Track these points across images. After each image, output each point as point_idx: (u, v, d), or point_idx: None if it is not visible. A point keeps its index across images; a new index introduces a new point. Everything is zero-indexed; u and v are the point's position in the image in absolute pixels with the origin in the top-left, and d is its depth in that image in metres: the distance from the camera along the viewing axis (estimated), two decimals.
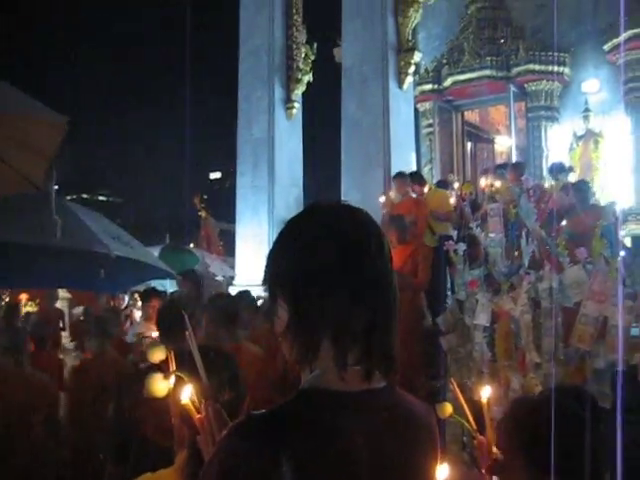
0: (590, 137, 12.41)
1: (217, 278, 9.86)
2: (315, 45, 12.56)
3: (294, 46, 12.19)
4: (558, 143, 12.80)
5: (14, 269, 4.66)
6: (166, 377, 2.31)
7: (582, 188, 6.35)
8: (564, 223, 5.13)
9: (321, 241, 1.45)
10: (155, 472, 2.59)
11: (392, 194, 9.21)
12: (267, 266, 1.53)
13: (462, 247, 4.82)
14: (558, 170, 9.17)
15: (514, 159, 13.19)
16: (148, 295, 8.83)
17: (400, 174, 9.07)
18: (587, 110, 12.49)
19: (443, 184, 10.86)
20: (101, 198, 46.25)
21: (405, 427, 1.48)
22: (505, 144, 15.01)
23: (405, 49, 10.86)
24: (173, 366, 3.26)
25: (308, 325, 1.43)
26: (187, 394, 1.98)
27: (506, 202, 4.64)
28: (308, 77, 12.23)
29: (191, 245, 20.60)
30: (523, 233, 4.39)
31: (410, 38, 10.94)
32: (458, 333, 5.05)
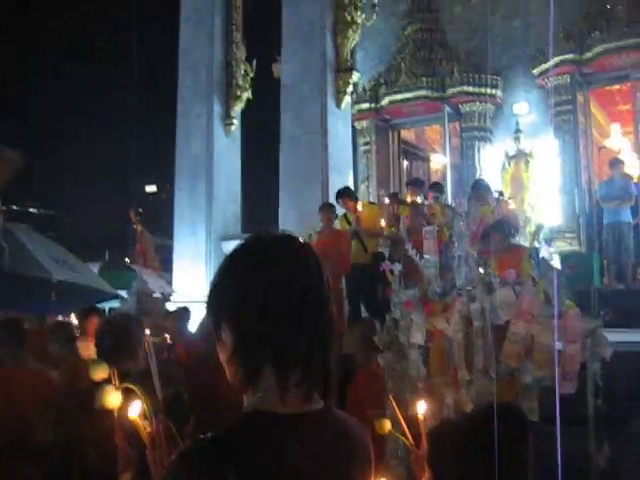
0: (521, 157, 12.83)
1: (155, 295, 9.78)
2: (254, 62, 12.64)
3: (233, 63, 12.27)
4: (491, 162, 13.18)
5: None
6: (116, 389, 2.32)
7: (503, 228, 6.55)
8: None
9: (260, 270, 1.53)
10: None
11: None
12: (210, 293, 1.61)
13: (398, 267, 4.95)
14: (484, 189, 9.46)
15: (449, 177, 13.56)
16: (86, 312, 8.73)
17: (326, 205, 9.20)
18: (518, 131, 12.91)
19: (395, 196, 11.05)
20: (31, 210, 45.08)
21: (342, 446, 1.55)
22: (440, 162, 15.36)
23: (343, 69, 11.05)
24: (117, 383, 3.29)
25: (250, 350, 1.50)
26: (136, 410, 2.01)
27: (441, 225, 4.80)
28: (247, 94, 12.30)
29: (126, 260, 20.34)
30: (456, 255, 4.56)
31: (348, 58, 11.14)
32: (394, 350, 5.17)
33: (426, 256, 4.82)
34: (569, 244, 11.94)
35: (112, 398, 2.18)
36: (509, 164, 12.92)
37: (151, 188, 44.83)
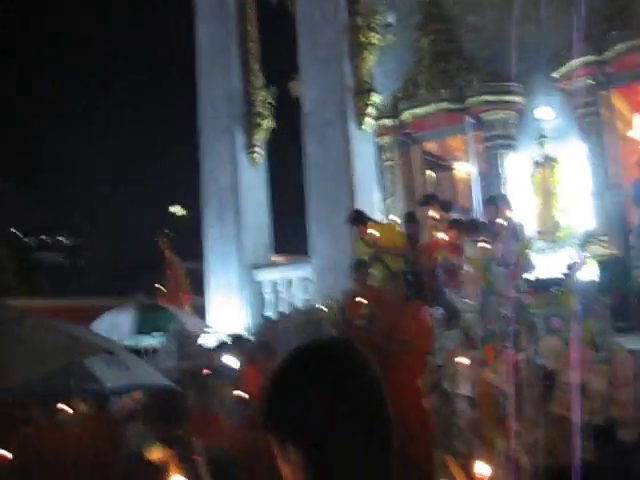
0: (547, 163, 12.69)
1: (192, 333, 9.84)
2: (273, 89, 12.66)
3: (252, 92, 12.29)
4: (517, 170, 13.06)
5: None
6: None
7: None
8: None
9: (333, 391, 1.50)
10: None
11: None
12: (269, 413, 1.58)
13: (439, 312, 4.93)
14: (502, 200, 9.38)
15: (474, 186, 13.46)
16: None
17: (358, 263, 8.80)
18: (543, 137, 12.76)
19: (411, 217, 11.05)
20: (61, 239, 45.60)
21: None
22: (465, 170, 15.25)
23: (363, 91, 11.08)
24: (174, 466, 3.34)
25: (326, 473, 1.48)
26: None
27: (478, 268, 4.77)
28: (269, 121, 12.32)
29: (157, 285, 20.46)
30: (494, 299, 4.53)
31: (367, 79, 11.16)
32: (438, 394, 5.16)
33: (466, 300, 4.80)
34: (604, 247, 11.77)
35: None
36: (536, 171, 12.78)
37: (175, 209, 45.26)
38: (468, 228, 7.45)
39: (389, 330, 6.52)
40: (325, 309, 9.13)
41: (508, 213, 8.91)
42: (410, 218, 10.76)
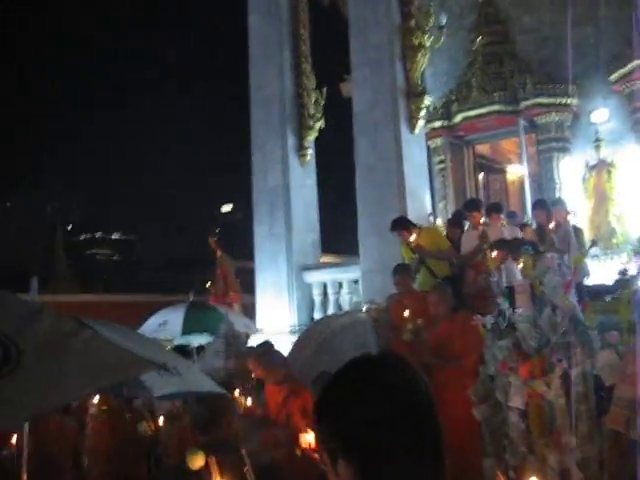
0: (603, 167, 12.46)
1: (241, 334, 9.91)
2: (325, 90, 12.67)
3: (304, 93, 12.32)
4: (570, 174, 12.85)
5: None
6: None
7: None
8: None
9: (382, 403, 1.52)
10: None
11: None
12: (322, 426, 1.60)
13: (490, 321, 4.88)
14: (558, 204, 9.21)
15: (527, 189, 13.28)
16: None
17: (400, 267, 8.72)
18: (598, 140, 12.55)
19: (457, 217, 10.95)
20: (114, 236, 46.49)
21: None
22: (517, 173, 15.07)
23: (415, 93, 10.97)
24: (216, 474, 3.36)
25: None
26: None
27: (532, 278, 4.70)
28: (320, 123, 12.33)
29: (208, 285, 20.67)
30: (549, 309, 4.46)
31: (419, 82, 11.06)
32: (490, 403, 5.10)
33: (519, 310, 4.74)
34: None
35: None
36: (590, 175, 12.56)
37: (227, 208, 45.64)
38: (514, 248, 7.31)
39: (436, 346, 6.44)
40: (369, 312, 9.11)
41: (566, 217, 8.75)
42: (455, 220, 10.67)
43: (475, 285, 7.58)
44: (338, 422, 1.55)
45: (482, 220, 9.14)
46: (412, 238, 8.96)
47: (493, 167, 15.29)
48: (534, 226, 9.39)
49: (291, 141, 12.13)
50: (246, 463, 2.41)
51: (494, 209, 9.49)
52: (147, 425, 6.30)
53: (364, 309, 9.24)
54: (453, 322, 6.27)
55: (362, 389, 1.56)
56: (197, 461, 3.56)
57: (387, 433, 1.49)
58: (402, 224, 9.22)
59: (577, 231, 8.94)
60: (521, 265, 5.21)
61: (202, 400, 4.49)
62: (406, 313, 7.07)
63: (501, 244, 7.66)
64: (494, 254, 7.07)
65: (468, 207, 9.68)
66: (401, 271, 8.46)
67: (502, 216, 9.42)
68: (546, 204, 9.47)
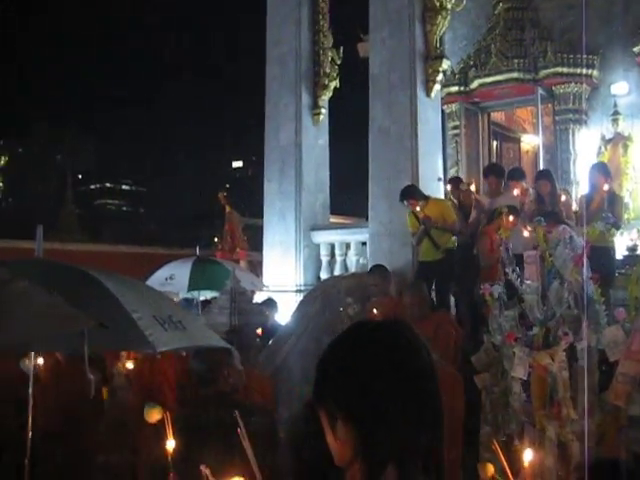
0: (619, 141, 12.32)
1: (247, 291, 9.95)
2: (341, 49, 12.50)
3: (321, 51, 12.16)
4: (586, 146, 12.72)
5: None
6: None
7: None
8: None
9: (386, 370, 1.53)
10: None
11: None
12: (325, 386, 1.60)
13: (498, 290, 4.86)
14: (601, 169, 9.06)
15: (541, 159, 13.18)
16: None
17: (377, 268, 8.67)
18: (616, 113, 12.39)
19: (455, 181, 10.95)
20: (124, 187, 46.47)
21: None
22: (532, 142, 14.94)
23: (433, 57, 10.79)
24: (169, 428, 3.39)
25: (376, 449, 1.50)
26: None
27: (543, 250, 4.67)
28: (335, 82, 12.19)
29: (215, 239, 20.71)
30: (557, 282, 4.44)
31: (438, 45, 10.88)
32: (492, 372, 5.12)
33: (527, 281, 4.72)
34: None
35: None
36: (606, 148, 12.43)
37: (237, 164, 45.46)
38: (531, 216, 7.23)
39: None
40: (345, 311, 9.06)
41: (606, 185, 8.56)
42: (457, 184, 10.66)
43: (493, 255, 7.50)
44: (337, 384, 1.55)
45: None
46: (418, 208, 8.97)
47: (507, 135, 15.14)
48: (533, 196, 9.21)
49: (305, 99, 12.01)
50: (240, 424, 2.40)
51: (512, 175, 9.42)
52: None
53: (340, 309, 9.06)
54: (425, 324, 5.95)
55: (363, 352, 1.56)
56: (154, 415, 3.59)
57: (386, 396, 1.50)
58: (411, 193, 9.22)
59: (616, 199, 8.78)
60: (526, 234, 5.14)
61: (199, 353, 4.51)
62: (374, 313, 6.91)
63: (515, 210, 7.60)
64: (510, 218, 7.00)
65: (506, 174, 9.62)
66: (377, 272, 8.42)
67: (523, 183, 9.28)
68: (551, 175, 9.37)
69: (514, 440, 4.63)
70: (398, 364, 1.54)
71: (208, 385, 4.33)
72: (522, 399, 4.50)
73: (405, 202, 9.17)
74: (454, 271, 9.13)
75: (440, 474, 1.56)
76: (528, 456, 2.76)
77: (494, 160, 14.18)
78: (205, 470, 2.55)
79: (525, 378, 4.42)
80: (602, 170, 8.88)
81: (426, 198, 9.25)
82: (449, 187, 10.67)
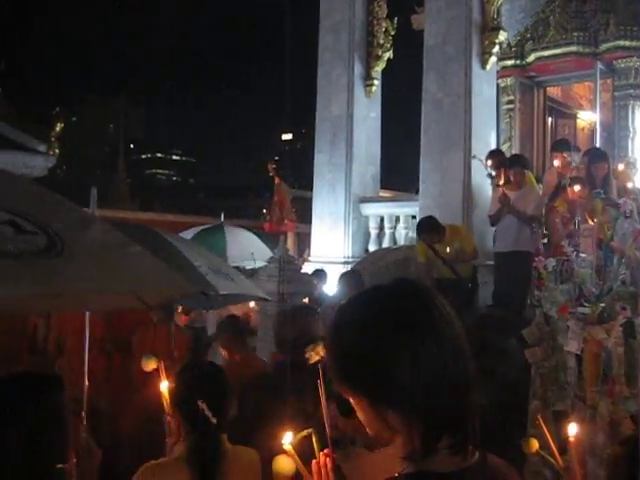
0: None
1: (295, 259, 10.00)
2: (395, 20, 12.33)
3: (374, 22, 12.03)
4: None
5: None
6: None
7: None
8: None
9: (408, 337, 1.47)
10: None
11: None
12: (345, 365, 1.53)
13: (552, 263, 4.77)
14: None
15: (598, 139, 12.84)
16: None
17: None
18: None
19: (524, 159, 10.49)
20: (175, 157, 46.89)
21: None
22: (588, 119, 14.58)
23: (489, 28, 10.61)
24: (163, 376, 3.61)
25: (418, 422, 1.47)
26: (289, 439, 1.98)
27: (601, 223, 4.56)
28: (388, 53, 12.06)
29: (264, 210, 20.81)
30: (616, 258, 4.33)
31: (495, 17, 10.67)
32: (543, 347, 5.04)
33: (582, 255, 4.61)
34: None
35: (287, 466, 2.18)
36: None
37: (287, 136, 45.44)
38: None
39: None
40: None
41: None
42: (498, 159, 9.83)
43: (565, 230, 7.33)
44: (358, 359, 1.50)
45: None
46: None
47: (563, 111, 14.77)
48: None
49: (358, 70, 11.91)
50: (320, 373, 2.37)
51: (554, 146, 9.19)
52: None
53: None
54: None
55: (385, 324, 1.49)
56: (150, 365, 3.92)
57: (421, 369, 1.45)
58: (428, 228, 8.60)
59: None
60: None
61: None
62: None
63: (581, 180, 7.42)
64: (576, 188, 6.82)
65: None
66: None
67: (568, 154, 9.02)
68: (609, 159, 9.09)
69: (565, 416, 4.54)
70: (421, 331, 1.48)
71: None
72: (574, 375, 4.42)
73: (424, 236, 8.61)
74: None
75: (476, 435, 1.54)
76: (573, 430, 2.70)
77: (549, 136, 13.89)
78: (202, 405, 2.76)
79: (579, 353, 4.33)
80: (605, 158, 8.68)
81: (443, 231, 8.60)
82: (489, 162, 9.95)
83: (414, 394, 1.45)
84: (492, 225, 9.03)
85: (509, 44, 13.15)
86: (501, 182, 8.80)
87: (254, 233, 13.79)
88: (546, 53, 12.86)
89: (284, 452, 1.81)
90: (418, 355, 1.45)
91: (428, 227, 8.54)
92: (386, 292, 1.56)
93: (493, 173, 9.39)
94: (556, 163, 8.92)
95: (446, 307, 1.54)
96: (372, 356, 1.46)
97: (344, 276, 8.71)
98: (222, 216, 12.34)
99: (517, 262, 8.08)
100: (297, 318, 4.43)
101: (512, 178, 8.70)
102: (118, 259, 3.14)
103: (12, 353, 6.14)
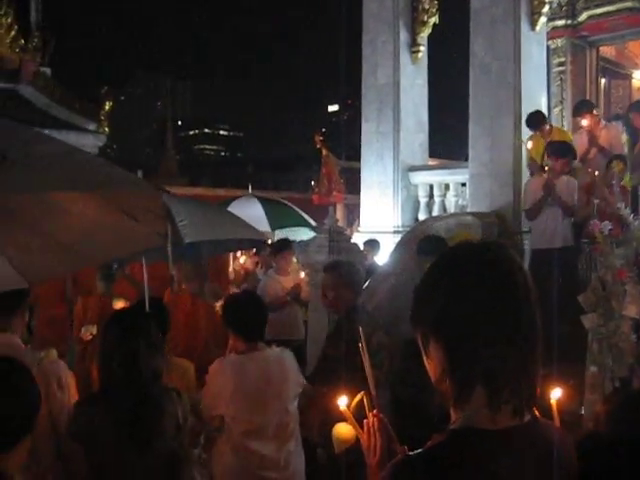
0: None
1: (345, 230, 9.99)
2: None
3: None
4: None
5: None
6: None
7: None
8: None
9: (474, 287, 1.53)
10: None
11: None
12: (417, 309, 1.63)
13: (608, 227, 4.66)
14: None
15: None
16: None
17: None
18: None
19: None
20: (222, 132, 47.10)
21: (550, 459, 1.54)
22: None
23: None
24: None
25: (464, 369, 1.52)
26: (345, 402, 2.01)
27: None
28: (434, 18, 11.82)
29: (312, 183, 20.82)
30: None
31: None
32: (600, 312, 4.94)
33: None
34: None
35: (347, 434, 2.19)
36: None
37: (333, 108, 45.24)
38: None
39: None
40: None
41: None
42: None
43: (587, 208, 7.14)
44: (427, 303, 1.58)
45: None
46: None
47: (617, 72, 14.35)
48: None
49: (403, 36, 11.71)
50: (362, 339, 2.38)
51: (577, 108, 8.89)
52: None
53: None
54: None
55: (453, 271, 1.58)
56: (118, 304, 4.71)
57: (473, 315, 1.50)
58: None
59: None
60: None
61: None
62: None
63: (623, 158, 7.20)
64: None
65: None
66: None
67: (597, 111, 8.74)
68: None
69: (622, 382, 4.47)
70: (489, 283, 1.53)
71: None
72: (632, 340, 4.33)
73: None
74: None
75: (531, 397, 1.55)
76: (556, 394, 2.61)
77: (602, 98, 13.52)
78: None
79: (638, 317, 4.24)
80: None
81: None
82: (586, 121, 9.16)
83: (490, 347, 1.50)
84: (531, 219, 8.33)
85: (559, 3, 12.79)
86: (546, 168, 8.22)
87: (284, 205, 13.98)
88: (599, 11, 12.50)
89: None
90: (497, 316, 1.51)
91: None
92: (462, 256, 1.63)
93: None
94: (585, 122, 8.62)
95: (518, 270, 1.58)
96: (457, 310, 1.52)
97: (400, 245, 8.70)
98: (249, 188, 12.39)
99: (567, 260, 7.31)
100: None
101: (558, 167, 7.99)
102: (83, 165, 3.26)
103: None
